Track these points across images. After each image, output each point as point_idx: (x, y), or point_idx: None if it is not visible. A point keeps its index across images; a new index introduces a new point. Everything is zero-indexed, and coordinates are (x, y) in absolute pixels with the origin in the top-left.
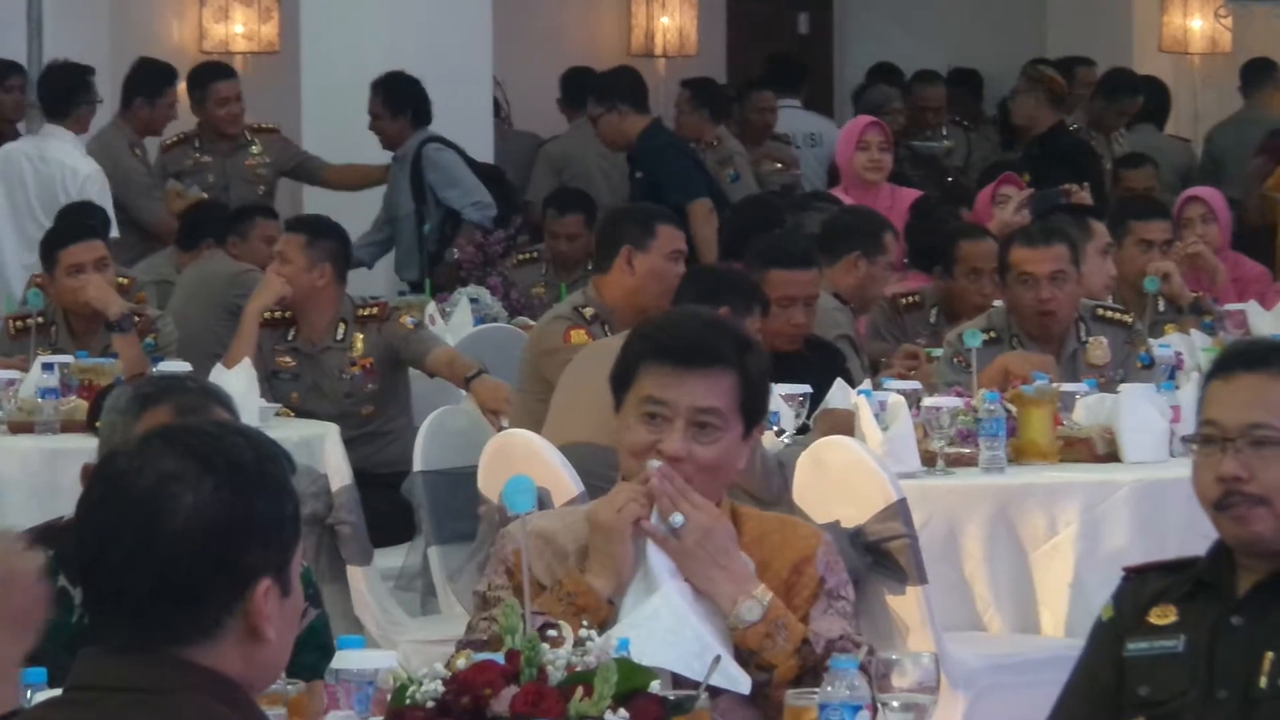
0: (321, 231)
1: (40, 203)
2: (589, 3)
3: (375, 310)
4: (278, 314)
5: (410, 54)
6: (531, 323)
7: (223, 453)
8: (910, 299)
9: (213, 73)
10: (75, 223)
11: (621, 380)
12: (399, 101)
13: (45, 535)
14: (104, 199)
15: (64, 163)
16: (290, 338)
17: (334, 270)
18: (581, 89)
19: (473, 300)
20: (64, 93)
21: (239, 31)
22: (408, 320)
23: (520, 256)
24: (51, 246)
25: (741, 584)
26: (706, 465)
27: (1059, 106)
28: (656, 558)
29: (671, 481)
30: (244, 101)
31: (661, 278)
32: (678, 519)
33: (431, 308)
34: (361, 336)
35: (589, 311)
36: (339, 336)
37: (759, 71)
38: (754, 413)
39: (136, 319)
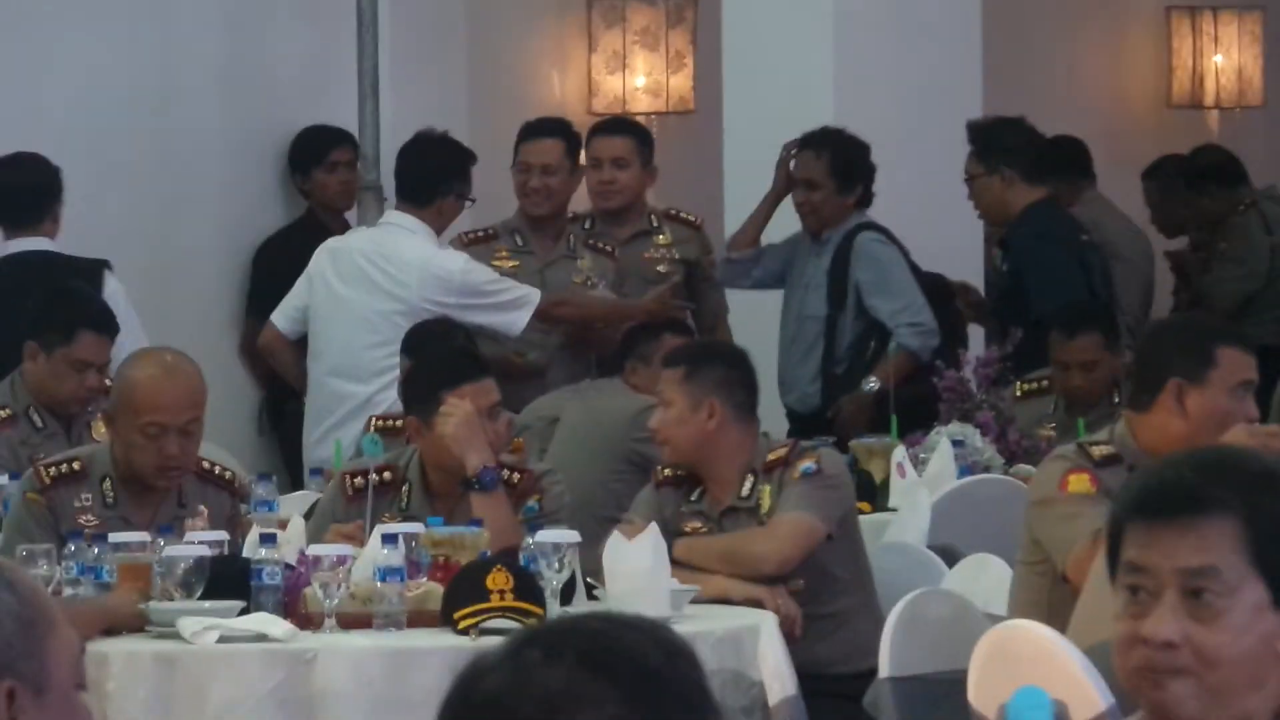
0: (702, 359)
1: (395, 315)
2: (1114, 41)
3: (782, 452)
4: (680, 471)
5: (863, 108)
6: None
7: (623, 657)
8: None
9: (597, 129)
10: (465, 352)
11: (1111, 551)
12: (852, 173)
13: None
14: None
15: (425, 267)
16: (695, 498)
17: (726, 407)
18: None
19: (956, 443)
20: (430, 175)
21: (640, 85)
22: (803, 466)
23: (1024, 386)
24: (434, 385)
25: None
26: (1211, 656)
27: None
28: None
29: None
30: (644, 168)
31: (1224, 420)
32: None
33: (900, 454)
34: (768, 489)
35: (1102, 451)
36: (744, 493)
37: None
38: None
39: (513, 474)
